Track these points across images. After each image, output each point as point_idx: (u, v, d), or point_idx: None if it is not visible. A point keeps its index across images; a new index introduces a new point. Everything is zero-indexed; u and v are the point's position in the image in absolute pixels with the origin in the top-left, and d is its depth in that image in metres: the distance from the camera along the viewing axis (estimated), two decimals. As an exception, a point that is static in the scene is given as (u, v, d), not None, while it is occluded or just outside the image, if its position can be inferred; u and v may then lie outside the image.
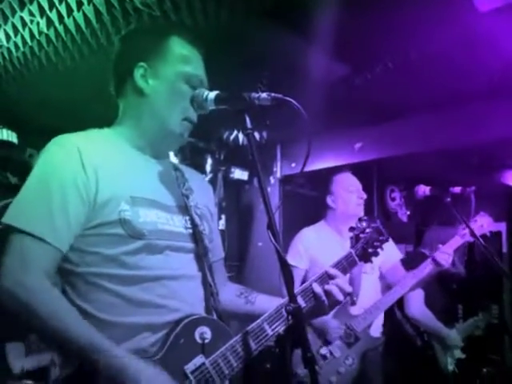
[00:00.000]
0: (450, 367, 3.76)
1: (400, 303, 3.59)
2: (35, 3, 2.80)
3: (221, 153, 5.16)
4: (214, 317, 1.61)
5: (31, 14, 2.88)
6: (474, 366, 4.22)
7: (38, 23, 2.95)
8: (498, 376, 4.39)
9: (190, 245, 1.63)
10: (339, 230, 3.37)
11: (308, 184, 5.54)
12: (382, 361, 3.30)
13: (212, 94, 1.58)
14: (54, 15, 2.87)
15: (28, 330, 1.40)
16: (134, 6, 2.71)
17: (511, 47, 3.10)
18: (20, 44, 3.17)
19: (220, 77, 1.94)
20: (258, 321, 1.60)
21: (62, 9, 2.82)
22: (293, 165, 5.35)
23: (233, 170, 5.35)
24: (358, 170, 3.70)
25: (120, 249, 1.47)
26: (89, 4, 2.76)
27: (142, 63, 1.63)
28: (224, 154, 5.16)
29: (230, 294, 1.83)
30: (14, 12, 2.89)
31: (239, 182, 5.47)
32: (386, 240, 2.03)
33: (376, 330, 3.25)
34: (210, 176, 4.93)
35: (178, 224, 1.61)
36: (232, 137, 4.79)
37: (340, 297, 1.71)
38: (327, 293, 1.71)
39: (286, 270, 1.40)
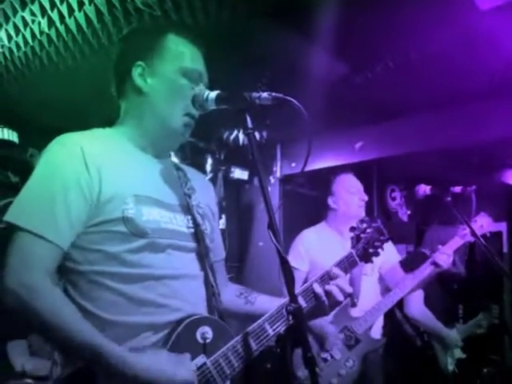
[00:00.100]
0: (450, 367, 3.76)
1: (400, 303, 3.59)
2: (36, 3, 2.80)
3: (221, 152, 5.17)
4: (216, 317, 1.62)
5: (32, 13, 2.88)
6: (474, 366, 4.21)
7: (39, 23, 2.96)
8: (498, 376, 4.39)
9: (192, 244, 1.63)
10: (340, 231, 3.36)
11: (308, 184, 5.54)
12: (382, 361, 3.30)
13: (213, 94, 1.58)
14: (55, 15, 2.88)
15: (30, 330, 1.39)
16: (135, 5, 2.71)
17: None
18: (21, 44, 3.18)
19: (221, 76, 1.95)
20: (259, 321, 1.60)
21: (64, 9, 2.82)
22: (293, 164, 5.35)
23: (233, 169, 5.35)
24: (358, 169, 3.70)
25: (122, 247, 1.48)
26: (90, 4, 2.76)
27: (139, 62, 1.64)
28: (224, 153, 5.16)
29: (230, 295, 1.83)
30: (15, 12, 2.90)
31: (239, 181, 5.47)
32: (387, 240, 2.03)
33: (376, 331, 3.25)
34: (210, 176, 4.93)
35: (180, 223, 1.61)
36: (232, 137, 4.79)
37: (340, 297, 1.71)
38: (328, 293, 1.71)
39: (287, 269, 1.39)
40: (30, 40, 3.13)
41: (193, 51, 1.69)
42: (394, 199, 6.02)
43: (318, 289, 1.72)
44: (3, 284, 1.37)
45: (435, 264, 3.13)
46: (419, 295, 3.69)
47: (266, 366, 3.73)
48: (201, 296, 1.62)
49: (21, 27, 3.02)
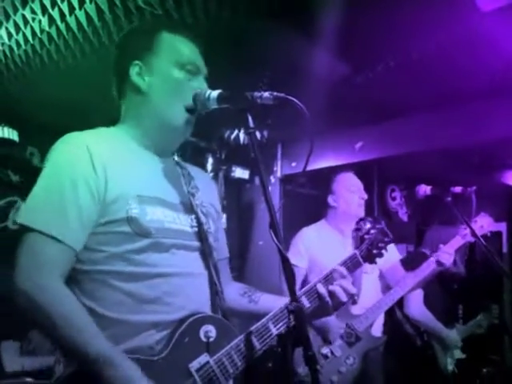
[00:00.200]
0: (450, 367, 3.76)
1: (400, 303, 3.59)
2: (37, 1, 2.80)
3: (222, 152, 5.16)
4: (219, 315, 1.62)
5: (33, 11, 2.88)
6: (473, 366, 4.22)
7: (39, 21, 2.96)
8: (498, 376, 4.39)
9: (196, 243, 1.64)
10: (340, 229, 3.37)
11: (308, 183, 5.53)
12: (382, 359, 3.30)
13: (214, 93, 1.58)
14: (55, 13, 2.87)
15: (41, 331, 1.39)
16: (136, 4, 2.71)
17: (513, 47, 3.10)
18: (22, 42, 3.18)
19: (222, 76, 1.95)
20: (263, 320, 1.60)
21: (64, 7, 2.82)
22: (293, 164, 5.35)
23: (234, 169, 5.35)
24: (358, 169, 3.70)
25: (127, 246, 1.48)
26: (91, 2, 2.76)
27: (136, 62, 1.65)
28: (225, 153, 5.15)
29: (234, 293, 1.83)
30: (15, 10, 2.89)
31: (240, 181, 5.47)
32: (391, 241, 2.04)
33: (377, 329, 3.25)
34: (211, 175, 4.93)
35: (184, 222, 1.62)
36: (233, 136, 4.79)
37: (344, 298, 1.72)
38: (331, 293, 1.72)
39: (288, 268, 1.40)
40: (30, 38, 3.12)
41: (188, 45, 1.69)
42: (394, 199, 6.02)
43: (322, 289, 1.72)
44: (15, 285, 1.37)
45: (437, 262, 3.13)
46: (419, 295, 3.69)
47: (267, 365, 3.73)
48: (205, 295, 1.62)
49: (21, 25, 3.02)
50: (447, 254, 3.14)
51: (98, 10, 2.79)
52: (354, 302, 3.13)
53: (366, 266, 3.24)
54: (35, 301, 1.34)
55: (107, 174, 1.49)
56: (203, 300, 1.61)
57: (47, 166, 1.50)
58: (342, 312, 3.03)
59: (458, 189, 3.08)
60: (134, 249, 1.48)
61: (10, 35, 3.13)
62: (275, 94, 1.47)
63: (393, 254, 3.42)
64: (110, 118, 1.73)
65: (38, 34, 3.08)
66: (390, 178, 5.93)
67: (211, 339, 1.52)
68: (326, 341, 2.97)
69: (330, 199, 3.42)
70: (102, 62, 2.65)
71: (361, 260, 1.93)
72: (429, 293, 3.74)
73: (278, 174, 5.44)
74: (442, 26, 2.94)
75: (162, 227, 1.53)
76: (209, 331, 1.52)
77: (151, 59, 1.65)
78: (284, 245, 1.41)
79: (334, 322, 3.00)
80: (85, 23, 2.91)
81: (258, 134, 4.51)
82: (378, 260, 3.14)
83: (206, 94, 1.59)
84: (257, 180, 5.51)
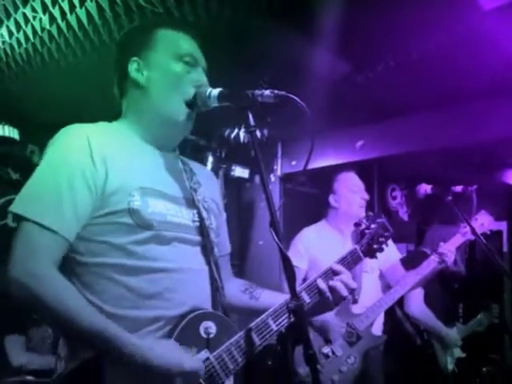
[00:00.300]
0: (450, 366, 3.76)
1: (400, 302, 3.59)
2: (38, -1, 2.80)
3: (222, 150, 5.16)
4: (220, 312, 1.62)
5: (34, 10, 2.88)
6: (473, 365, 4.21)
7: (40, 19, 2.95)
8: (498, 375, 4.39)
9: (197, 238, 1.64)
10: (340, 229, 3.36)
11: (309, 182, 5.53)
12: (382, 358, 3.30)
13: (215, 91, 1.58)
14: (56, 11, 2.87)
15: (41, 318, 1.40)
16: (137, 2, 2.71)
17: (513, 46, 3.10)
18: (22, 40, 3.18)
19: (222, 74, 1.95)
20: (263, 316, 1.61)
21: (65, 5, 2.82)
22: (293, 163, 5.35)
23: (233, 167, 5.35)
24: (359, 168, 3.69)
25: (128, 238, 1.48)
26: (91, 0, 2.76)
27: (134, 58, 1.66)
28: (225, 151, 5.15)
29: (235, 290, 1.83)
30: (16, 8, 2.89)
31: (240, 179, 5.47)
32: (391, 236, 2.03)
33: (377, 328, 3.25)
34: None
35: (186, 216, 1.62)
36: (233, 134, 4.79)
37: (345, 292, 1.72)
38: (332, 289, 1.72)
39: (289, 267, 1.40)
40: (31, 36, 3.12)
41: (185, 38, 1.71)
42: (394, 198, 6.02)
43: (322, 284, 1.72)
44: (9, 274, 1.37)
45: (438, 260, 3.13)
46: (419, 294, 3.69)
47: (266, 363, 3.74)
48: (205, 290, 1.62)
49: (22, 23, 3.02)
50: (448, 252, 3.14)
51: (99, 8, 2.79)
52: (355, 302, 3.13)
53: (366, 265, 3.25)
54: (29, 288, 1.34)
55: (107, 166, 1.49)
56: (204, 296, 1.61)
57: (45, 155, 1.51)
58: (342, 311, 3.04)
59: (458, 188, 3.09)
60: (136, 240, 1.48)
61: (10, 33, 3.13)
62: (276, 92, 1.48)
63: (393, 254, 3.42)
64: (111, 116, 1.73)
65: (39, 33, 3.08)
66: (390, 177, 5.92)
67: (211, 335, 1.52)
68: (327, 340, 2.97)
69: (332, 199, 3.41)
70: (103, 60, 2.65)
71: (361, 255, 1.93)
72: (429, 292, 3.74)
73: (278, 173, 5.44)
74: (443, 26, 2.94)
75: (164, 220, 1.53)
76: (209, 327, 1.52)
77: (149, 55, 1.66)
78: (284, 243, 1.41)
79: (334, 322, 3.00)
80: (85, 21, 2.91)
81: (258, 133, 4.51)
82: (378, 259, 3.15)
83: (207, 92, 1.59)
84: (257, 179, 5.51)
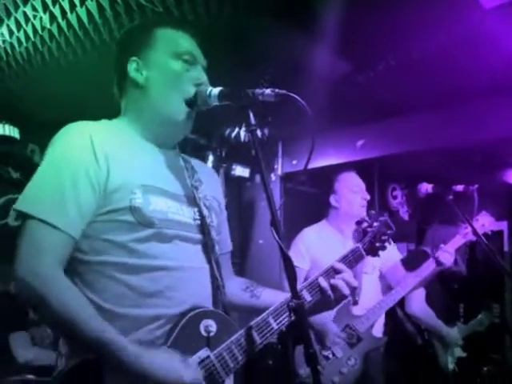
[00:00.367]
0: (451, 366, 3.76)
1: (401, 301, 3.59)
2: (38, -2, 2.80)
3: (222, 150, 5.16)
4: (220, 310, 1.61)
5: (34, 9, 2.88)
6: (474, 364, 4.21)
7: (40, 18, 2.95)
8: (499, 375, 4.39)
9: (198, 236, 1.63)
10: (341, 229, 3.35)
11: (309, 181, 5.53)
12: (383, 359, 3.30)
13: (216, 90, 1.58)
14: (57, 10, 2.87)
15: (42, 319, 1.40)
16: (137, 1, 2.71)
17: (514, 45, 3.10)
18: (23, 39, 3.18)
19: (222, 73, 1.94)
20: (264, 314, 1.60)
21: (65, 4, 2.82)
22: (294, 162, 5.35)
23: (234, 166, 5.34)
24: (359, 167, 3.69)
25: (129, 236, 1.48)
26: (92, -1, 2.76)
27: (133, 58, 1.65)
28: (225, 150, 5.15)
29: (236, 288, 1.83)
30: (17, 7, 2.89)
31: (240, 179, 5.47)
32: (393, 234, 2.02)
33: (378, 329, 3.25)
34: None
35: (187, 214, 1.61)
36: (233, 134, 4.79)
37: (346, 291, 1.71)
38: (333, 287, 1.71)
39: (289, 266, 1.39)
40: (31, 35, 3.12)
41: (184, 36, 1.70)
42: (395, 198, 6.01)
43: (324, 283, 1.72)
44: (14, 273, 1.36)
45: (438, 262, 3.12)
46: (421, 293, 3.68)
47: (268, 362, 3.73)
48: (206, 289, 1.62)
49: (22, 22, 3.02)
50: (448, 254, 3.13)
51: (99, 7, 2.79)
52: (356, 303, 3.12)
53: (367, 267, 3.24)
54: (33, 288, 1.34)
55: (109, 163, 1.49)
56: (204, 294, 1.60)
57: (49, 153, 1.50)
58: (343, 312, 3.03)
59: (459, 187, 3.08)
60: (137, 238, 1.48)
61: (11, 32, 3.13)
62: (277, 90, 1.47)
63: (394, 254, 3.41)
64: (112, 115, 1.73)
65: (39, 32, 3.08)
66: (391, 176, 5.92)
67: (211, 333, 1.51)
68: (323, 345, 2.95)
69: (332, 199, 3.40)
70: (103, 59, 2.65)
71: (363, 253, 1.92)
72: (430, 292, 3.74)
73: (279, 172, 5.44)
74: (443, 25, 2.94)
75: (166, 218, 1.53)
76: (209, 325, 1.52)
77: (148, 54, 1.66)
78: (285, 243, 1.41)
79: (332, 328, 2.98)
80: (86, 20, 2.91)
81: (258, 132, 4.50)
82: (378, 260, 3.15)
83: (208, 91, 1.59)
84: (257, 178, 5.51)
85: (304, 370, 2.75)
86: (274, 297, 1.72)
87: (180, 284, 1.53)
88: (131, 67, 1.65)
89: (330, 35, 2.98)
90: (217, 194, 1.84)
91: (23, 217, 1.41)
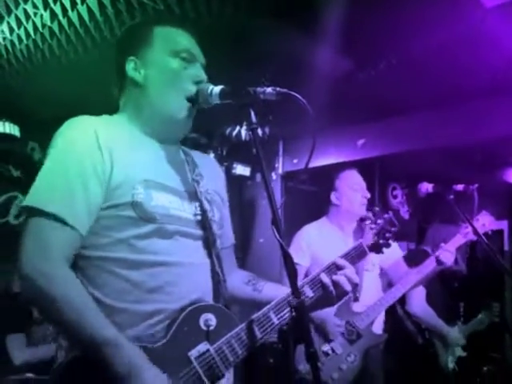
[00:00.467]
0: (451, 365, 3.76)
1: (401, 300, 3.59)
2: (39, -4, 2.80)
3: (223, 148, 5.16)
4: (221, 304, 1.61)
5: (35, 6, 2.87)
6: (474, 364, 4.21)
7: (41, 16, 2.95)
8: (499, 374, 4.39)
9: (199, 231, 1.63)
10: (341, 226, 3.36)
11: (310, 180, 5.53)
12: (382, 357, 3.30)
13: (217, 89, 1.57)
14: (57, 8, 2.87)
15: (46, 318, 1.38)
16: (138, -1, 2.71)
17: (515, 45, 3.10)
18: (23, 37, 3.17)
19: (223, 72, 1.94)
20: (264, 309, 1.60)
21: (66, 2, 2.82)
22: (295, 161, 5.35)
23: (235, 165, 5.35)
24: (360, 166, 3.68)
25: (131, 232, 1.48)
26: (93, -3, 2.76)
27: (131, 57, 1.65)
28: (226, 149, 5.15)
29: (238, 281, 1.82)
30: (17, 4, 2.89)
31: (241, 177, 5.47)
32: (397, 231, 2.02)
33: (378, 327, 3.25)
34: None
35: (188, 210, 1.61)
36: (234, 132, 4.78)
37: (348, 287, 1.70)
38: (335, 283, 1.71)
39: (290, 264, 1.39)
40: (32, 33, 3.12)
41: (182, 34, 1.70)
42: (395, 197, 6.01)
43: (326, 278, 1.71)
44: (19, 271, 1.36)
45: (439, 261, 3.12)
46: (421, 293, 3.68)
47: (268, 361, 3.74)
48: (206, 284, 1.62)
49: (23, 20, 3.01)
50: (448, 253, 3.13)
51: (100, 4, 2.79)
52: (356, 300, 3.12)
53: (367, 264, 3.25)
54: (39, 287, 1.33)
55: (113, 159, 1.49)
56: (205, 289, 1.60)
57: (54, 148, 1.49)
58: (343, 309, 3.03)
59: (460, 187, 3.07)
60: (138, 234, 1.48)
61: (11, 30, 3.12)
62: (278, 89, 1.47)
63: (395, 251, 3.41)
64: (112, 113, 1.73)
65: (40, 29, 3.08)
66: (391, 175, 5.92)
67: (211, 327, 1.51)
68: (326, 339, 2.97)
69: (333, 197, 3.40)
70: (104, 57, 2.65)
71: (366, 250, 1.92)
72: (430, 291, 3.74)
73: (280, 171, 5.44)
74: (444, 24, 2.94)
75: (167, 213, 1.52)
76: (209, 319, 1.52)
77: (146, 53, 1.66)
78: (286, 241, 1.41)
79: (333, 321, 3.00)
80: (87, 18, 2.90)
81: (259, 131, 4.50)
82: (378, 257, 3.15)
83: (209, 90, 1.58)
84: (258, 177, 5.51)
85: (303, 366, 2.76)
86: (276, 291, 1.72)
87: (180, 280, 1.53)
88: (129, 66, 1.65)
89: (331, 34, 2.98)
90: (218, 187, 1.84)
91: (29, 214, 1.40)
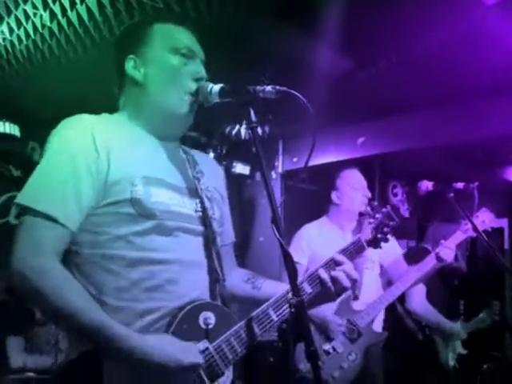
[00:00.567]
0: (451, 362, 3.76)
1: (401, 297, 3.59)
2: (38, -4, 2.80)
3: (223, 147, 5.16)
4: (219, 302, 1.61)
5: (34, 6, 2.88)
6: (474, 362, 4.21)
7: (41, 16, 2.95)
8: (499, 372, 4.39)
9: (200, 228, 1.63)
10: (342, 225, 3.36)
11: (310, 179, 5.53)
12: (383, 355, 3.30)
13: (217, 87, 1.57)
14: (57, 8, 2.87)
15: (41, 311, 1.39)
16: (138, -2, 2.71)
17: (515, 43, 3.10)
18: (23, 37, 3.17)
19: (223, 71, 1.94)
20: (263, 306, 1.60)
21: (65, 2, 2.82)
22: (295, 159, 5.35)
23: (235, 164, 5.35)
24: (360, 165, 3.69)
25: (130, 228, 1.47)
26: (92, -3, 2.76)
27: (130, 56, 1.65)
28: (226, 148, 5.15)
29: (237, 279, 1.82)
30: (17, 5, 2.89)
31: (241, 176, 5.47)
32: (396, 225, 2.00)
33: (378, 325, 3.25)
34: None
35: (188, 206, 1.61)
36: (234, 131, 4.78)
37: (347, 283, 1.69)
38: (334, 279, 1.70)
39: (290, 263, 1.39)
40: (31, 33, 3.12)
41: (181, 31, 1.69)
42: (395, 195, 6.01)
43: (324, 274, 1.70)
44: (11, 266, 1.36)
45: (439, 257, 3.12)
46: (421, 290, 3.68)
47: (268, 360, 3.74)
48: (206, 282, 1.61)
49: (23, 20, 3.01)
50: (449, 249, 3.13)
51: (100, 4, 2.79)
52: (356, 298, 3.12)
53: (367, 262, 3.25)
54: (29, 280, 1.34)
55: (110, 156, 1.49)
56: (204, 287, 1.60)
57: (50, 146, 1.50)
58: (343, 307, 3.03)
59: (460, 185, 3.07)
60: (138, 231, 1.48)
61: (11, 30, 3.12)
62: (278, 87, 1.47)
63: (395, 248, 3.42)
64: (112, 113, 1.73)
65: (40, 29, 3.08)
66: (391, 174, 5.92)
67: (210, 326, 1.51)
68: (327, 338, 2.97)
69: (334, 195, 3.40)
70: (104, 57, 2.64)
71: (365, 244, 1.90)
72: (430, 288, 3.73)
73: (280, 170, 5.44)
74: (445, 23, 2.94)
75: (167, 209, 1.52)
76: (208, 318, 1.52)
77: (145, 51, 1.66)
78: (286, 240, 1.41)
79: (334, 319, 3.00)
80: (86, 18, 2.90)
81: (259, 129, 4.50)
82: (379, 254, 3.15)
83: (208, 88, 1.58)
84: (258, 176, 5.51)
85: (304, 365, 2.76)
86: (275, 288, 1.72)
87: (179, 277, 1.52)
88: (129, 65, 1.65)
89: (332, 33, 2.98)
90: (219, 185, 1.84)
91: (23, 210, 1.42)
